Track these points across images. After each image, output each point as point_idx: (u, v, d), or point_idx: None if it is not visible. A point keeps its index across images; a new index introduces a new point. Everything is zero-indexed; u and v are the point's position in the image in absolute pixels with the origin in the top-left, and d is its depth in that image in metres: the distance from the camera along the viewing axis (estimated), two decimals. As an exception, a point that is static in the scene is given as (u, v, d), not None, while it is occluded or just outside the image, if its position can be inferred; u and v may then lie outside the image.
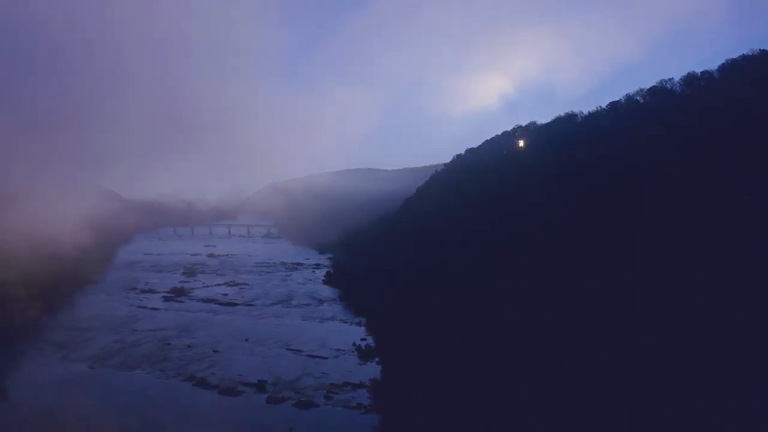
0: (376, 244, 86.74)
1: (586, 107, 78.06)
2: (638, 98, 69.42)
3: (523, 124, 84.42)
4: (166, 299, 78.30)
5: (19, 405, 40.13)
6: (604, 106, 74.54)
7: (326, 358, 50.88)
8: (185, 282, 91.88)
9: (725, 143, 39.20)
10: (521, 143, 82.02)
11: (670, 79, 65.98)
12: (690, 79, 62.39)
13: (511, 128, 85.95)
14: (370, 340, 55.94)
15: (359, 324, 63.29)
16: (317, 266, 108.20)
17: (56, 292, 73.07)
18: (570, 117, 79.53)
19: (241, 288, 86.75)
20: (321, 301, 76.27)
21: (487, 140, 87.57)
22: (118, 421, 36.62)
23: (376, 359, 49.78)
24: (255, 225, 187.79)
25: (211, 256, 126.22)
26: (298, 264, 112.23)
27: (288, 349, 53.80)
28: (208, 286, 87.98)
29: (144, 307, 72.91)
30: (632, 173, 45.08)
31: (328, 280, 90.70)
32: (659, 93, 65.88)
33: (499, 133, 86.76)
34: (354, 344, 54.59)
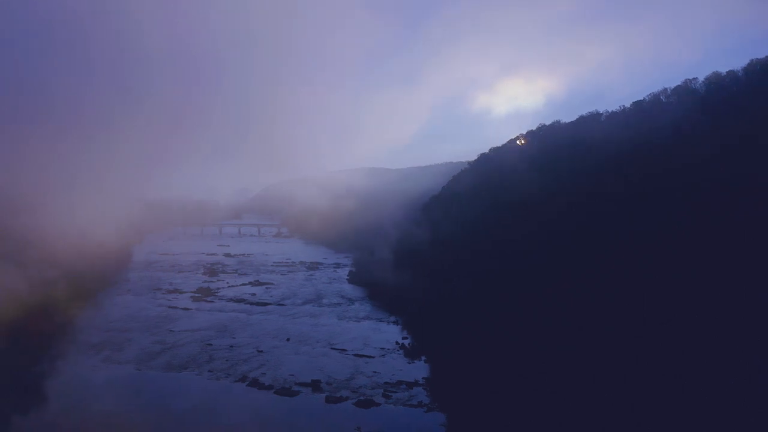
0: (400, 242, 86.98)
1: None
2: (662, 97, 70.18)
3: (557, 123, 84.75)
4: (195, 299, 78.44)
5: (76, 409, 39.55)
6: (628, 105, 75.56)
7: (373, 357, 51.22)
8: (209, 282, 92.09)
9: (734, 142, 39.73)
10: (544, 142, 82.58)
11: (694, 79, 66.62)
12: (714, 78, 62.94)
13: (536, 127, 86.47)
14: (410, 339, 56.35)
15: (396, 323, 63.72)
16: (337, 265, 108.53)
17: (86, 292, 73.11)
18: (594, 116, 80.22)
19: (267, 288, 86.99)
20: (351, 301, 76.60)
21: (511, 139, 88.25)
22: (187, 423, 36.86)
23: (423, 358, 50.22)
24: (265, 225, 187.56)
25: (227, 255, 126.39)
26: (317, 263, 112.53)
27: (332, 349, 54.08)
28: (233, 286, 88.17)
29: (175, 308, 73.02)
30: (642, 172, 45.62)
31: (353, 279, 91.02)
32: (682, 92, 66.51)
33: (524, 132, 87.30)
34: (397, 343, 55.06)
